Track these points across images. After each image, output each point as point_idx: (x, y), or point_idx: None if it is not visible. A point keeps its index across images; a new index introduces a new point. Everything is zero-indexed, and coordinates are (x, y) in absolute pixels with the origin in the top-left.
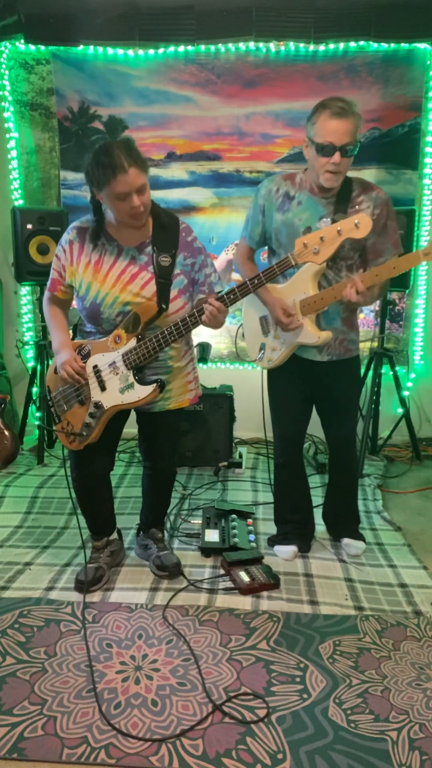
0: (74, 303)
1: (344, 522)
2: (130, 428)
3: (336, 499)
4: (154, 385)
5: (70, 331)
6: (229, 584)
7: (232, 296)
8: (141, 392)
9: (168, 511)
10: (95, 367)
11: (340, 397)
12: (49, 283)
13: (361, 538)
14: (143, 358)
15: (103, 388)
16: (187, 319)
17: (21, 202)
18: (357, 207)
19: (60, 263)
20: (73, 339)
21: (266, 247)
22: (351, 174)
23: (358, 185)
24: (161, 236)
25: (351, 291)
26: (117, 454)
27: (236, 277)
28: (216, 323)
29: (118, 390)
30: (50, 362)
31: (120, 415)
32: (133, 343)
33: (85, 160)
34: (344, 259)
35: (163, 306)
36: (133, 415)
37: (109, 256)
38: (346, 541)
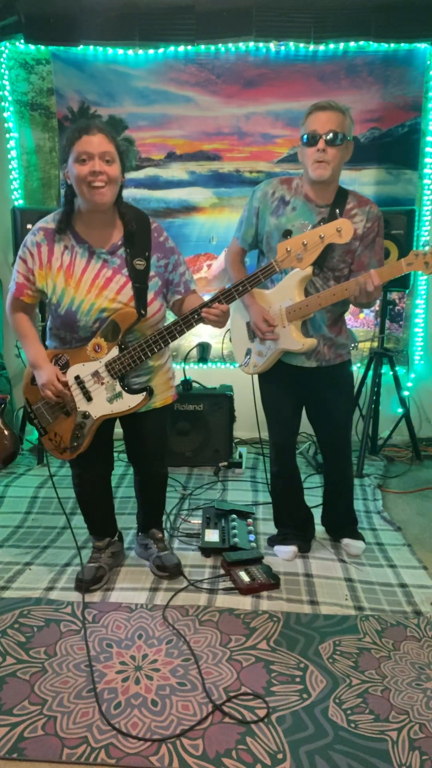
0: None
1: (342, 524)
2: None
3: (333, 502)
4: (144, 393)
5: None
6: (229, 584)
7: (224, 298)
8: (131, 401)
9: (167, 510)
10: (77, 377)
11: (331, 403)
12: (13, 288)
13: (360, 537)
14: (128, 367)
15: (89, 399)
16: (172, 328)
17: (21, 202)
18: (350, 220)
19: (26, 267)
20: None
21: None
22: (344, 184)
23: (354, 198)
24: (133, 238)
25: (366, 282)
26: (117, 455)
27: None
28: (222, 324)
29: (105, 400)
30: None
31: (108, 420)
32: (115, 352)
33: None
34: (332, 269)
35: (142, 312)
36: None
37: (80, 259)
38: (345, 541)
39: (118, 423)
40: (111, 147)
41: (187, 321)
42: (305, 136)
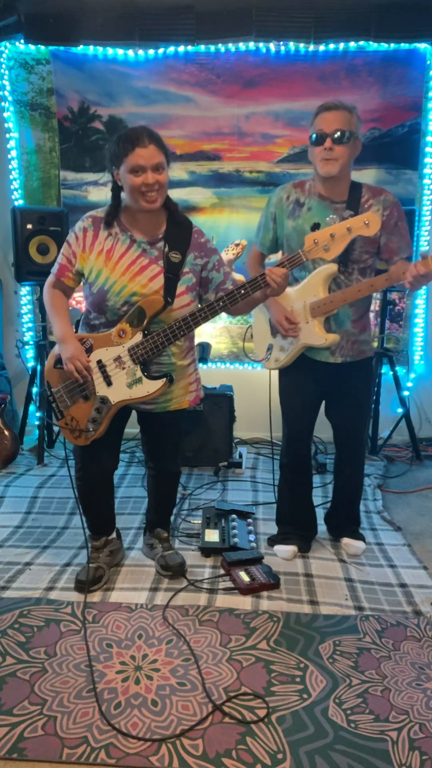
0: (73, 304)
1: (345, 523)
2: (131, 428)
3: (340, 500)
4: (164, 379)
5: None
6: (229, 584)
7: (242, 291)
8: (150, 387)
9: (173, 510)
10: (99, 362)
11: (353, 398)
12: (56, 268)
13: (361, 538)
14: (151, 353)
15: (109, 383)
16: (196, 314)
17: (21, 202)
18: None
19: (71, 249)
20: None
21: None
22: (359, 179)
23: (368, 190)
24: (174, 234)
25: (414, 270)
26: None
27: (238, 277)
28: (284, 288)
29: (125, 385)
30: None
31: (123, 413)
32: (139, 337)
33: (109, 143)
34: (356, 262)
35: (169, 300)
36: (133, 416)
37: (121, 245)
38: (345, 541)
39: (129, 423)
40: (162, 156)
41: (211, 307)
42: (313, 136)
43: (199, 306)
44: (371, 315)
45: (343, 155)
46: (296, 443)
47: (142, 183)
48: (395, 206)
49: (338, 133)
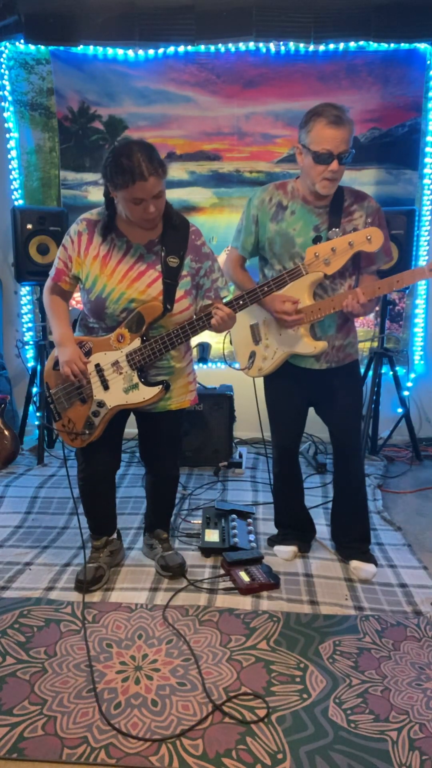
0: (73, 304)
1: (353, 541)
2: (131, 428)
3: (342, 514)
4: (160, 386)
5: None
6: (229, 584)
7: (240, 302)
8: (146, 393)
9: (173, 512)
10: (97, 365)
11: (342, 402)
12: (53, 273)
13: (372, 560)
14: (148, 359)
15: (106, 387)
16: (194, 323)
17: (21, 202)
18: (350, 216)
19: (66, 254)
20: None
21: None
22: (343, 183)
23: (350, 195)
24: (171, 237)
25: (353, 302)
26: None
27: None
28: (225, 327)
29: (122, 390)
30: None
31: (123, 413)
32: (137, 343)
33: (105, 156)
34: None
35: (168, 306)
36: (132, 416)
37: (118, 251)
38: (354, 564)
39: (129, 422)
40: (161, 184)
41: (210, 316)
42: (316, 154)
43: (198, 315)
44: (371, 315)
45: (343, 172)
46: (285, 452)
47: (143, 211)
48: (377, 213)
49: (345, 154)
